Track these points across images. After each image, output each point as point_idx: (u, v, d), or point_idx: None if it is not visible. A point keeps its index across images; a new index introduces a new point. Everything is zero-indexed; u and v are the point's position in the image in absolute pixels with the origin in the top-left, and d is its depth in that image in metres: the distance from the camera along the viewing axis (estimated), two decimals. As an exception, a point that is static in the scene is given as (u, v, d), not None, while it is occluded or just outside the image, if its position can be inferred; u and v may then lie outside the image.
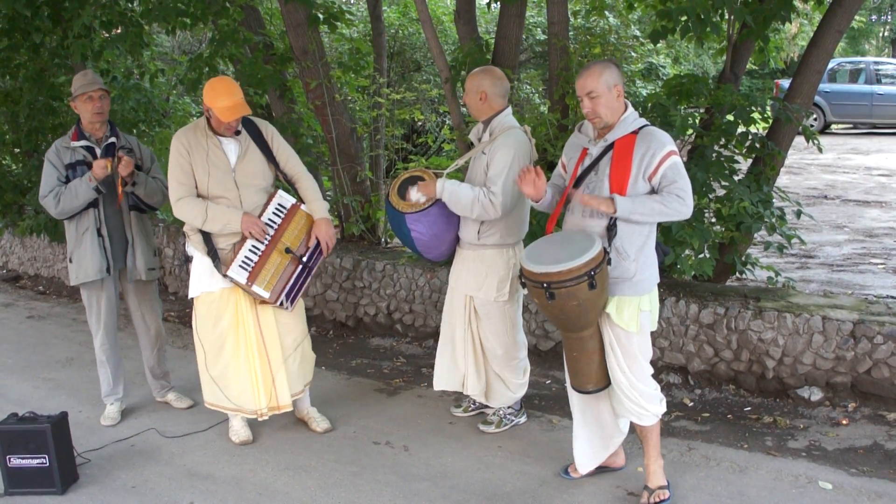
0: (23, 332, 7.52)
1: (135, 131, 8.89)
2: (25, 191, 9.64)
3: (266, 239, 4.47)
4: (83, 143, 4.91)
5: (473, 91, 4.49)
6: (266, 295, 4.43)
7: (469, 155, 4.59)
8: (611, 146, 3.75)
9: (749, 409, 5.03)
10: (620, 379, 3.80)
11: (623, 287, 3.74)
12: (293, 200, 4.63)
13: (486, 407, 4.96)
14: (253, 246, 4.44)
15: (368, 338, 6.88)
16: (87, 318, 5.19)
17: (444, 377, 4.87)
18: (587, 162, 3.84)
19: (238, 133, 4.51)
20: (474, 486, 4.18)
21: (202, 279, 4.58)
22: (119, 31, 7.56)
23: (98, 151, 4.92)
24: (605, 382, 3.89)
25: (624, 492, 4.04)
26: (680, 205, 3.61)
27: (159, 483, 4.32)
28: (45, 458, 4.15)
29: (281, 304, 4.51)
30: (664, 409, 3.90)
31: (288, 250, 4.51)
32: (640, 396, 3.80)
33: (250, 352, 4.59)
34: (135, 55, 7.95)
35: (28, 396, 5.67)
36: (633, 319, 3.76)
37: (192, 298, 4.68)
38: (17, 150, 9.93)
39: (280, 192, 4.61)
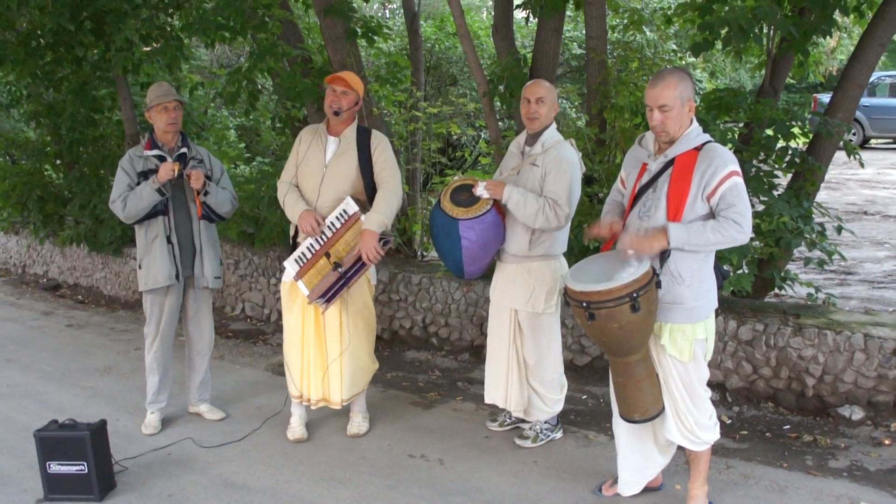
0: (62, 341, 7.61)
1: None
2: (66, 201, 9.79)
3: (323, 239, 4.64)
4: (155, 152, 5.00)
5: (552, 102, 4.51)
6: (306, 293, 4.64)
7: (520, 166, 4.54)
8: (671, 163, 3.54)
9: (788, 427, 4.96)
10: (679, 406, 3.68)
11: (676, 314, 3.58)
12: (356, 209, 4.66)
13: (522, 421, 4.94)
14: (311, 244, 4.65)
15: (404, 351, 6.89)
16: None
17: (493, 392, 4.85)
18: (646, 178, 3.66)
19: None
20: (509, 501, 4.15)
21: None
22: (158, 44, 7.67)
23: (168, 161, 4.99)
24: (652, 413, 3.72)
25: (661, 509, 4.00)
26: (737, 232, 3.39)
27: (195, 492, 4.35)
28: (83, 465, 4.20)
29: (318, 304, 4.67)
30: (717, 437, 3.80)
31: (328, 256, 4.62)
32: (695, 425, 3.69)
33: (308, 344, 4.83)
34: (173, 70, 8.05)
35: (67, 404, 5.74)
36: (686, 349, 3.60)
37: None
38: (58, 162, 10.10)
39: (348, 198, 4.67)
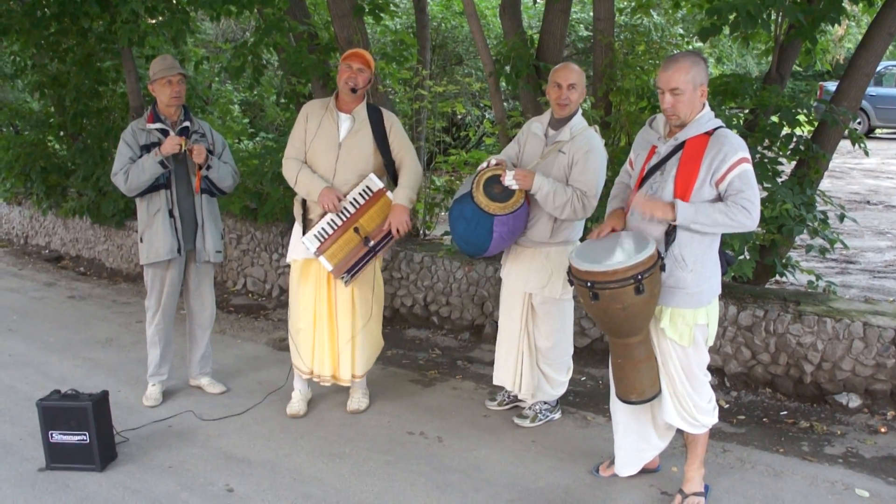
0: (64, 312, 7.64)
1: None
2: (69, 173, 9.79)
3: (345, 216, 4.66)
4: (158, 125, 5.00)
5: (582, 88, 4.46)
6: (330, 267, 4.67)
7: (547, 154, 4.47)
8: (681, 146, 3.53)
9: (785, 413, 4.99)
10: (678, 389, 3.70)
11: (678, 298, 3.58)
12: (381, 185, 4.71)
13: (521, 401, 4.96)
14: (331, 220, 4.66)
15: (404, 329, 6.91)
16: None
17: (502, 374, 4.87)
18: (654, 160, 3.65)
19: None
20: (506, 479, 4.19)
21: (293, 246, 4.90)
22: (164, 17, 7.65)
23: (172, 135, 4.99)
24: (650, 394, 3.74)
25: (657, 491, 4.03)
26: (745, 217, 3.38)
27: (196, 464, 4.38)
28: (85, 435, 4.23)
29: (342, 278, 4.69)
30: (716, 420, 3.82)
31: (357, 230, 4.65)
32: (693, 408, 3.71)
33: (321, 322, 4.86)
34: (178, 43, 8.03)
35: (68, 375, 5.77)
36: (686, 334, 3.61)
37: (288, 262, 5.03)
38: (62, 133, 10.09)
39: (371, 175, 4.72)
